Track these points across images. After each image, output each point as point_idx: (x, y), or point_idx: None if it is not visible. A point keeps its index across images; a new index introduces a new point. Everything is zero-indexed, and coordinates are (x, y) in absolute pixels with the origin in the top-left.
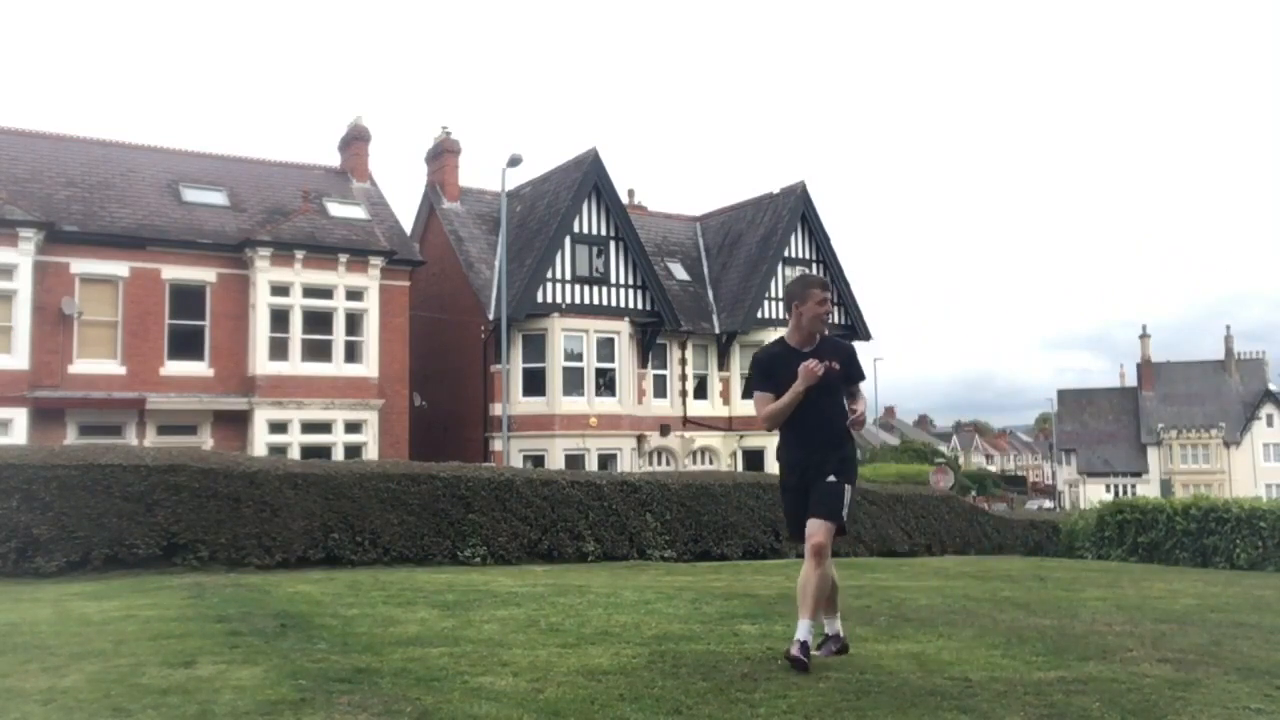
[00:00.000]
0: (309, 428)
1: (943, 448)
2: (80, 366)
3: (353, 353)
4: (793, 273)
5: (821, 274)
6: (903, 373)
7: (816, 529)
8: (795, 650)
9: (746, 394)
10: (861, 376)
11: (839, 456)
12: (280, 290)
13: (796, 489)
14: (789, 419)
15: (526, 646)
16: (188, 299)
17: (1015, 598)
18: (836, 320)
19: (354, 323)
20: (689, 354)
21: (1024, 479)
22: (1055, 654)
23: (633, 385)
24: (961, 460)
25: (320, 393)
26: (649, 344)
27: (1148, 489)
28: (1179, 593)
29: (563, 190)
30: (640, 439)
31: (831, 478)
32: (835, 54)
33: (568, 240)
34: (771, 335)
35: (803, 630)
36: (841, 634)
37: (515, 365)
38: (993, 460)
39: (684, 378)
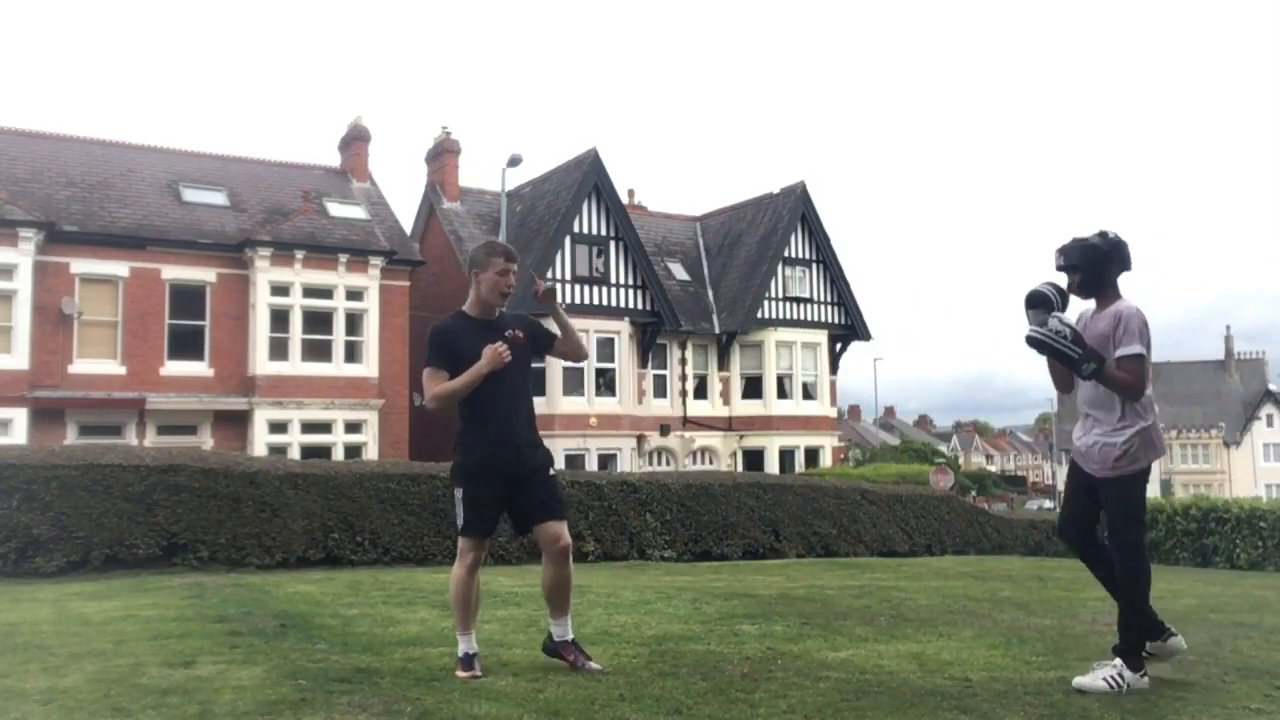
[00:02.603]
0: (309, 428)
1: (943, 448)
2: (80, 366)
3: (353, 353)
4: (793, 272)
5: (821, 274)
6: (903, 373)
7: (563, 530)
8: (459, 671)
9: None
10: (550, 340)
11: (541, 442)
12: (280, 290)
13: (501, 479)
14: (472, 401)
15: (526, 646)
16: (188, 299)
17: (1015, 598)
18: (837, 320)
19: (354, 323)
20: (689, 354)
21: (1024, 479)
22: (1055, 654)
23: (633, 385)
24: (961, 460)
25: (320, 393)
26: (649, 344)
27: (1148, 489)
28: (1179, 593)
29: (563, 190)
30: (640, 439)
31: (551, 470)
32: (835, 54)
33: (568, 240)
34: (772, 335)
35: (562, 629)
36: (570, 635)
37: None
38: (993, 460)
39: (684, 378)
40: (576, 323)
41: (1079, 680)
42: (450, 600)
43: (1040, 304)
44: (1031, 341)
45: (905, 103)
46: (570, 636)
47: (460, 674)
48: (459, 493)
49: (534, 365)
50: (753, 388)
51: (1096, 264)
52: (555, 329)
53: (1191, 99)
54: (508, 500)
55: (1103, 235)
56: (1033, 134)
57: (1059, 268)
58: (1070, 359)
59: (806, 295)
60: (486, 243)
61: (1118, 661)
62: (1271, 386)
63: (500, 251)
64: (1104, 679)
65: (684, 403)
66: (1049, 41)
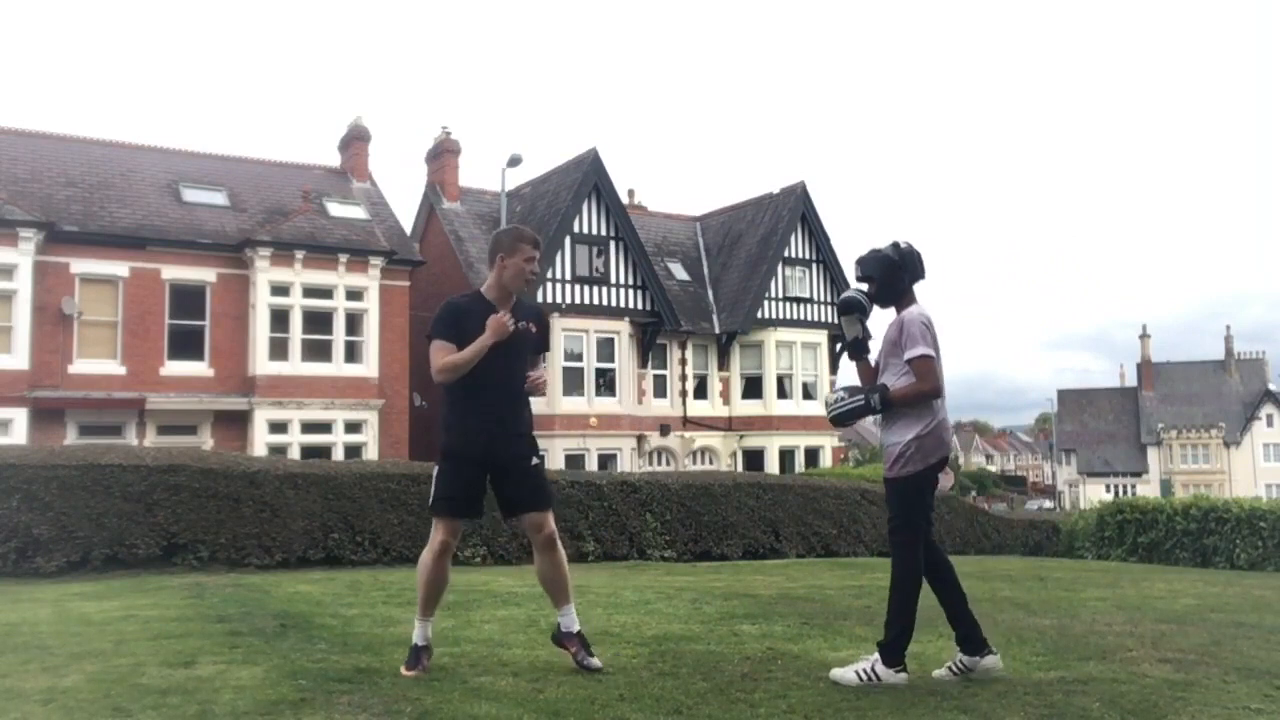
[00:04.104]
0: (309, 428)
1: None
2: (80, 366)
3: (353, 353)
4: (793, 272)
5: (821, 274)
6: None
7: (546, 519)
8: (413, 667)
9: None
10: (548, 348)
11: (529, 432)
12: (280, 290)
13: (480, 463)
14: (467, 378)
15: (526, 646)
16: (188, 299)
17: (1015, 598)
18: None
19: (354, 323)
20: (689, 354)
21: (1024, 479)
22: (1055, 654)
23: (633, 385)
24: (961, 460)
25: (320, 393)
26: (649, 344)
27: (1148, 489)
28: (1179, 593)
29: (563, 190)
30: (640, 439)
31: (535, 460)
32: (834, 54)
33: (568, 240)
34: (772, 335)
35: (568, 620)
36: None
37: None
38: (992, 460)
39: (684, 378)
40: (577, 322)
41: (835, 672)
42: (417, 581)
43: (850, 309)
44: (833, 420)
45: (905, 103)
46: (576, 628)
47: (405, 671)
48: (435, 470)
49: None
50: (753, 388)
51: (889, 273)
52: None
53: (1191, 99)
54: (484, 486)
55: (895, 246)
56: (1033, 134)
57: (858, 278)
58: (861, 409)
59: (806, 295)
60: (514, 228)
61: (875, 655)
62: (1271, 386)
63: (528, 238)
64: (855, 671)
65: (684, 403)
66: (1049, 41)
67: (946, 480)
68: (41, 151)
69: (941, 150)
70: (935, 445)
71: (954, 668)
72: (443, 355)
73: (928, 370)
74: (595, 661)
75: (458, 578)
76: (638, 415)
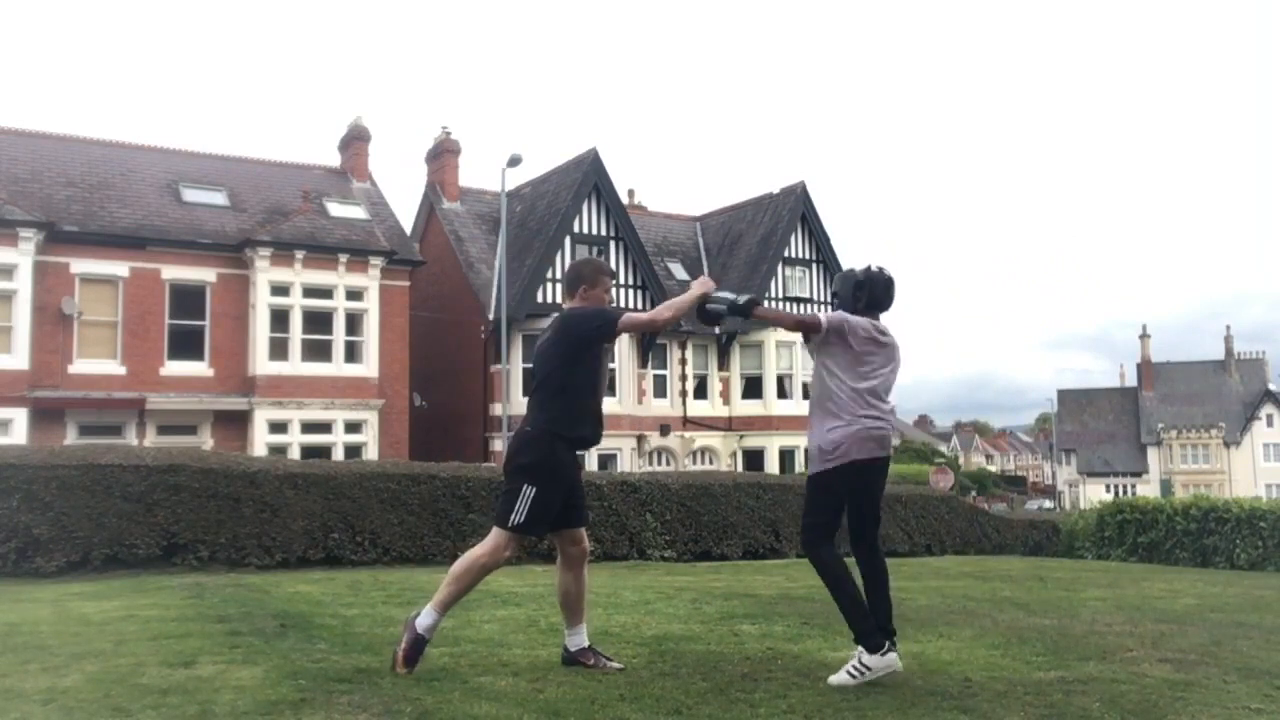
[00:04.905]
0: (309, 428)
1: (943, 448)
2: (80, 366)
3: (353, 353)
4: (793, 272)
5: (821, 274)
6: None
7: (584, 535)
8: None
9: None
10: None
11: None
12: (280, 290)
13: (565, 483)
14: (584, 383)
15: (526, 646)
16: (188, 299)
17: (1015, 598)
18: None
19: (354, 323)
20: (689, 354)
21: (1024, 479)
22: (1055, 654)
23: (633, 385)
24: (961, 460)
25: (320, 393)
26: (649, 344)
27: (1148, 489)
28: (1179, 593)
29: (563, 190)
30: (640, 439)
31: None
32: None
33: (568, 240)
34: (772, 335)
35: (579, 637)
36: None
37: (515, 365)
38: (992, 460)
39: (684, 378)
40: None
41: (832, 680)
42: (453, 576)
43: (712, 319)
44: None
45: (904, 103)
46: (587, 643)
47: (400, 666)
48: (530, 490)
49: (525, 364)
50: (753, 388)
51: (854, 290)
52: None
53: (1192, 99)
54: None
55: (866, 269)
56: (1033, 133)
57: (833, 293)
58: (725, 310)
59: (806, 295)
60: (593, 261)
61: (858, 649)
62: (1271, 386)
63: (608, 271)
64: (847, 671)
65: (684, 403)
66: (1050, 40)
67: (946, 480)
68: (41, 151)
69: (942, 150)
70: (850, 446)
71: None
72: (637, 313)
73: (809, 316)
74: (615, 663)
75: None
76: (638, 415)
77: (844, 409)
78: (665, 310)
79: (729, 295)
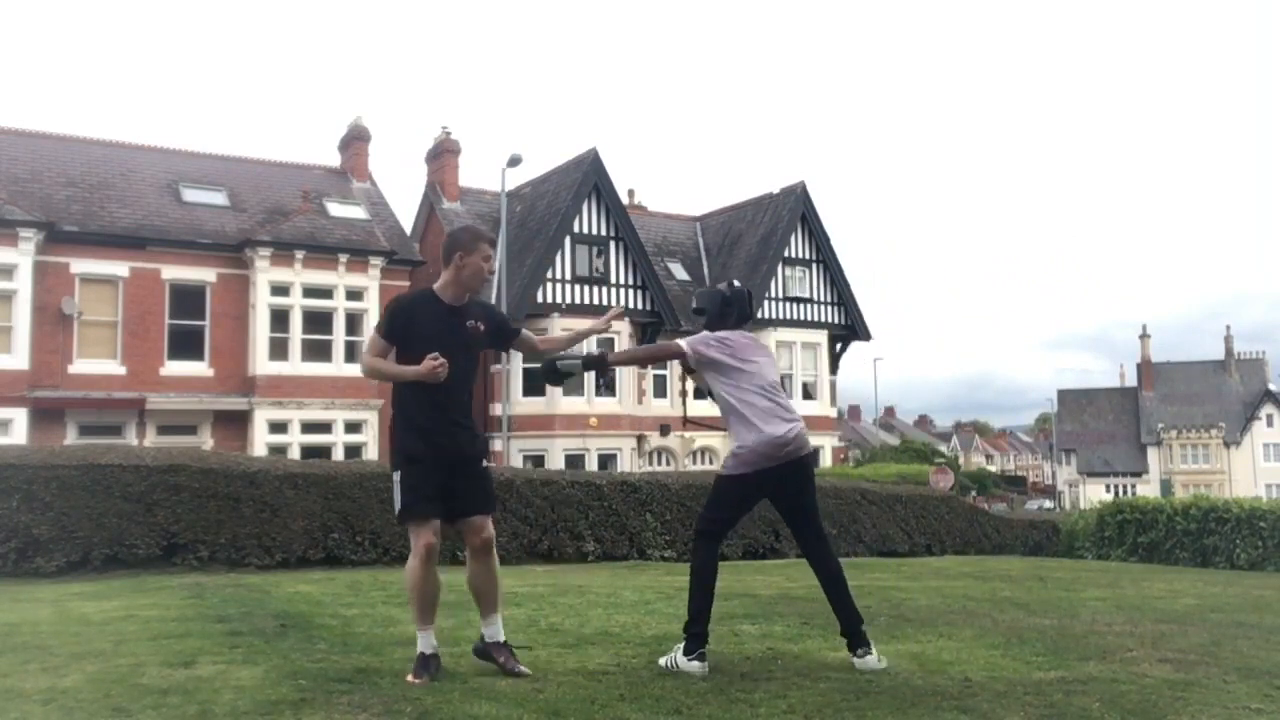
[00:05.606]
0: (309, 428)
1: (943, 448)
2: (80, 366)
3: (353, 353)
4: (793, 272)
5: (821, 274)
6: (903, 373)
7: (488, 523)
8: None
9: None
10: (507, 345)
11: (477, 430)
12: (280, 290)
13: (435, 464)
14: (416, 383)
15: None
16: (188, 299)
17: (1015, 598)
18: (837, 320)
19: (354, 323)
20: None
21: (1024, 479)
22: (1055, 654)
23: (633, 385)
24: (961, 460)
25: (320, 393)
26: (649, 344)
27: (1148, 489)
28: (1179, 593)
29: (563, 190)
30: (640, 439)
31: (485, 462)
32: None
33: (568, 240)
34: (772, 335)
35: (493, 629)
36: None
37: (515, 365)
38: (992, 460)
39: (684, 378)
40: (577, 322)
41: (662, 660)
42: (406, 589)
43: (569, 374)
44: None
45: (904, 103)
46: (502, 638)
47: (413, 680)
48: (397, 476)
49: (525, 364)
50: None
51: (721, 306)
52: (529, 333)
53: (1192, 99)
54: (446, 487)
55: (729, 284)
56: (1033, 133)
57: (693, 310)
58: (576, 368)
59: (806, 295)
60: (469, 227)
61: (681, 644)
62: (1271, 386)
63: (486, 237)
64: (661, 661)
65: (684, 403)
66: (1050, 40)
67: (946, 480)
68: (41, 151)
69: (942, 150)
70: (750, 457)
71: None
72: (376, 351)
73: (669, 344)
74: (524, 668)
75: (456, 577)
76: (638, 415)
77: (753, 417)
78: (365, 369)
79: (576, 361)
